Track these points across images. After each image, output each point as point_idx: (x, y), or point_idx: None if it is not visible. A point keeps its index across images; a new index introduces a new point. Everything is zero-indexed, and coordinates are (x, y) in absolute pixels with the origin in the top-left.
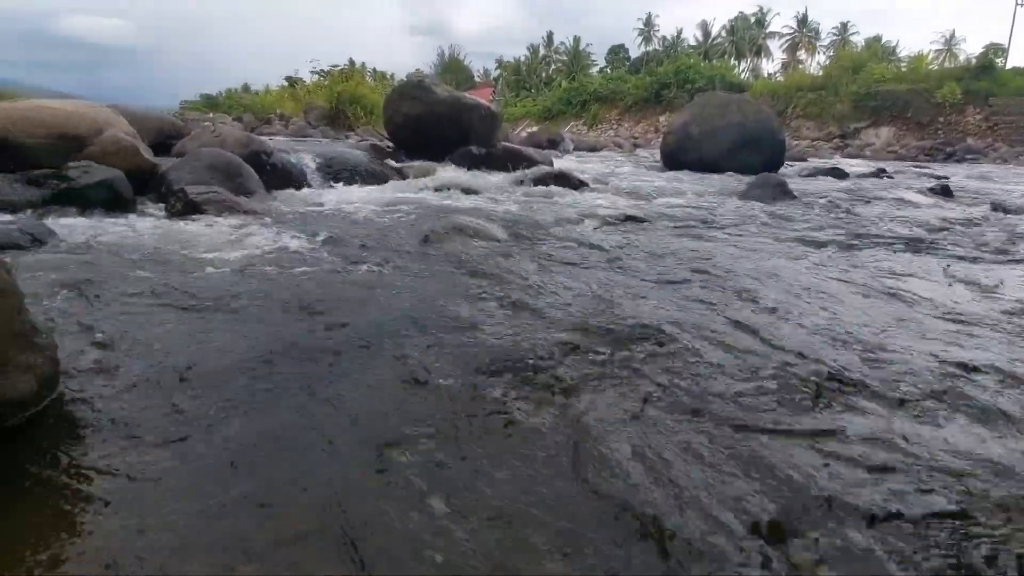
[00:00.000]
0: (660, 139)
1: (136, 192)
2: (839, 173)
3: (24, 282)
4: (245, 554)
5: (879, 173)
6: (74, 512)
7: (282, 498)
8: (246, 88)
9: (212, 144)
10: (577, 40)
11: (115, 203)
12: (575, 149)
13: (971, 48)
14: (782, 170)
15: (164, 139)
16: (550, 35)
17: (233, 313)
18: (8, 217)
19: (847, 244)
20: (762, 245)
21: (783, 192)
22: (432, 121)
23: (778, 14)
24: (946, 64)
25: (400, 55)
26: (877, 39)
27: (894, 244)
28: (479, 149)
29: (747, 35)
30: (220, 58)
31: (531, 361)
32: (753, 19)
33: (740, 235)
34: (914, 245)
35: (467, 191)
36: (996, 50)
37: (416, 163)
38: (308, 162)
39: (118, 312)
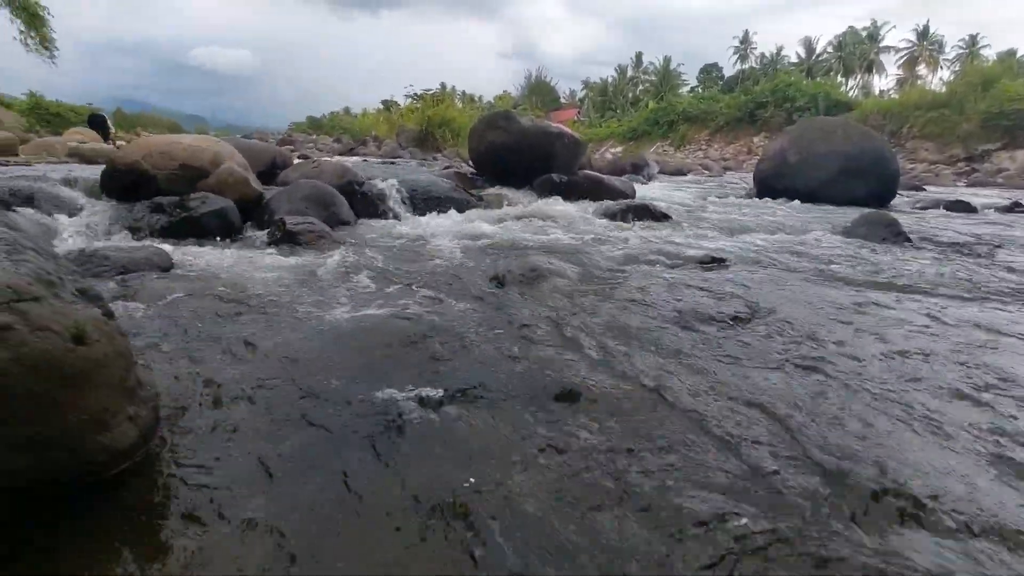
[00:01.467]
0: (753, 161)
1: (244, 219)
2: (964, 207)
3: (140, 309)
4: None
5: (1014, 207)
6: (170, 556)
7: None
8: (347, 111)
9: (311, 175)
10: (667, 60)
11: (226, 230)
12: (660, 172)
13: None
14: (895, 201)
15: (272, 168)
16: (639, 55)
17: (316, 359)
18: (135, 244)
19: (975, 306)
20: (864, 301)
21: (895, 233)
22: (516, 149)
23: (894, 27)
24: None
25: (489, 78)
26: (1011, 53)
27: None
28: (560, 177)
29: (857, 50)
30: (327, 83)
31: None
32: (864, 33)
33: (837, 287)
34: None
35: (544, 220)
36: None
37: (497, 191)
38: (395, 191)
39: (216, 350)
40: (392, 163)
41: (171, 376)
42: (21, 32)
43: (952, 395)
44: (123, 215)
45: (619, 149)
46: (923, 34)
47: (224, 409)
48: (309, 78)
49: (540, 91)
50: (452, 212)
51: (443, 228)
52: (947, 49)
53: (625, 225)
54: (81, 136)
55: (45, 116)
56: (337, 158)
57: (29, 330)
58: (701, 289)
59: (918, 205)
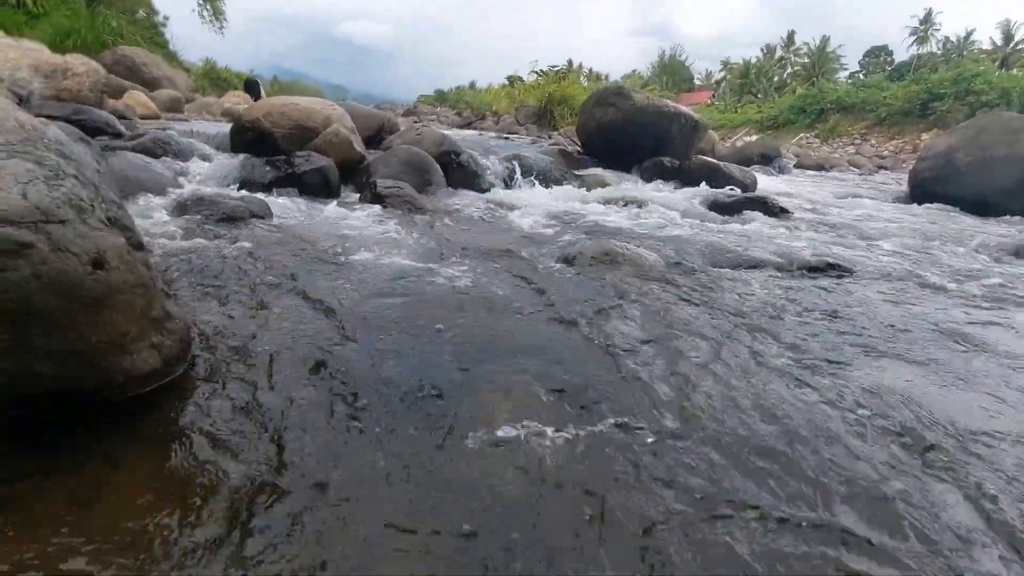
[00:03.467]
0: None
1: (346, 179)
2: None
3: (224, 248)
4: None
5: None
6: (183, 468)
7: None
8: (472, 85)
9: (412, 142)
10: (825, 40)
11: (324, 188)
12: (797, 166)
13: None
14: None
15: (380, 133)
16: (791, 35)
17: (358, 308)
18: (243, 193)
19: None
20: (999, 334)
21: None
22: (626, 129)
23: None
24: None
25: (620, 56)
26: None
27: None
28: (671, 161)
29: None
30: (459, 58)
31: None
32: None
33: (978, 316)
34: None
35: (641, 205)
36: None
37: (597, 172)
38: (492, 163)
39: (271, 294)
40: (506, 138)
41: (218, 312)
42: (200, 4)
43: None
44: (242, 167)
45: (754, 138)
46: None
47: (257, 350)
48: (442, 54)
49: (673, 71)
50: (546, 189)
51: (532, 204)
52: None
53: (732, 218)
54: (236, 99)
55: (216, 80)
56: (455, 130)
57: (50, 249)
58: (794, 300)
59: None
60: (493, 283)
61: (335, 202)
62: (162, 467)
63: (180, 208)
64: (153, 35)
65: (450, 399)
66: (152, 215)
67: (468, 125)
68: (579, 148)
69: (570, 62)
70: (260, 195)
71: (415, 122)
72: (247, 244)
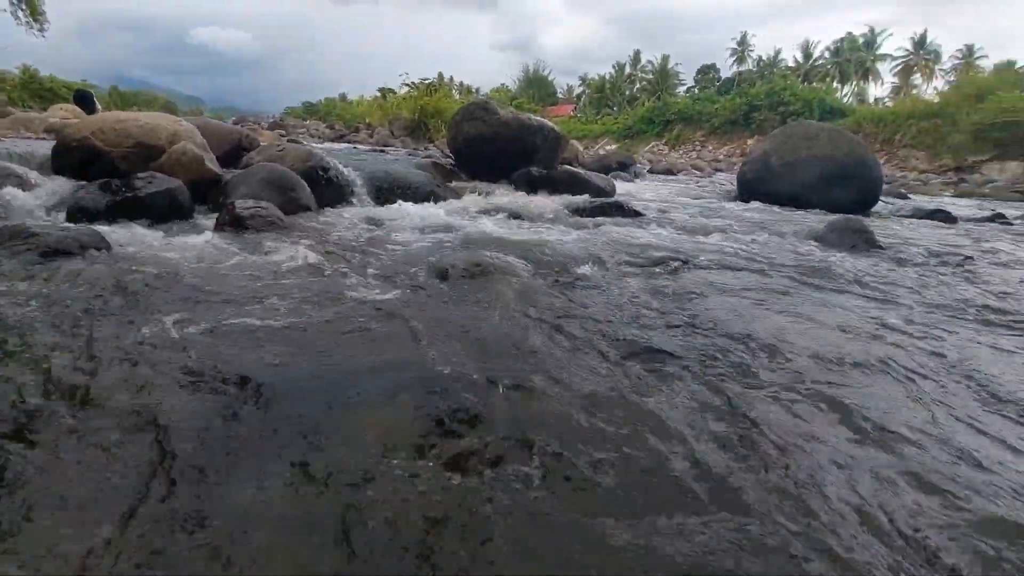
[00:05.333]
0: None
1: (200, 200)
2: (944, 217)
3: (42, 291)
4: None
5: (995, 218)
6: None
7: None
8: (343, 97)
9: (274, 159)
10: (665, 59)
11: (173, 212)
12: (650, 171)
13: None
14: (876, 208)
15: (238, 150)
16: (637, 53)
17: (210, 347)
18: (70, 224)
19: (928, 324)
20: (813, 309)
21: (866, 241)
22: (494, 142)
23: (891, 35)
24: None
25: (487, 69)
26: (1010, 64)
27: (993, 328)
28: (539, 171)
29: (854, 57)
30: (327, 70)
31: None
32: (862, 40)
33: (792, 296)
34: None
35: (514, 216)
36: None
37: (471, 184)
38: (362, 179)
39: (101, 336)
40: (381, 151)
41: (30, 363)
42: (13, 3)
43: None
44: (69, 193)
45: (614, 146)
46: (920, 43)
47: (75, 412)
48: (309, 64)
49: (538, 85)
50: (420, 203)
51: (406, 219)
52: (944, 59)
53: (594, 222)
54: (64, 112)
55: (38, 91)
56: (327, 144)
57: None
58: (646, 289)
59: (899, 213)
60: (363, 305)
61: (187, 227)
62: None
63: None
64: None
65: (311, 431)
66: None
67: (341, 138)
68: (451, 161)
69: (441, 75)
70: (96, 225)
71: (282, 136)
72: (73, 283)
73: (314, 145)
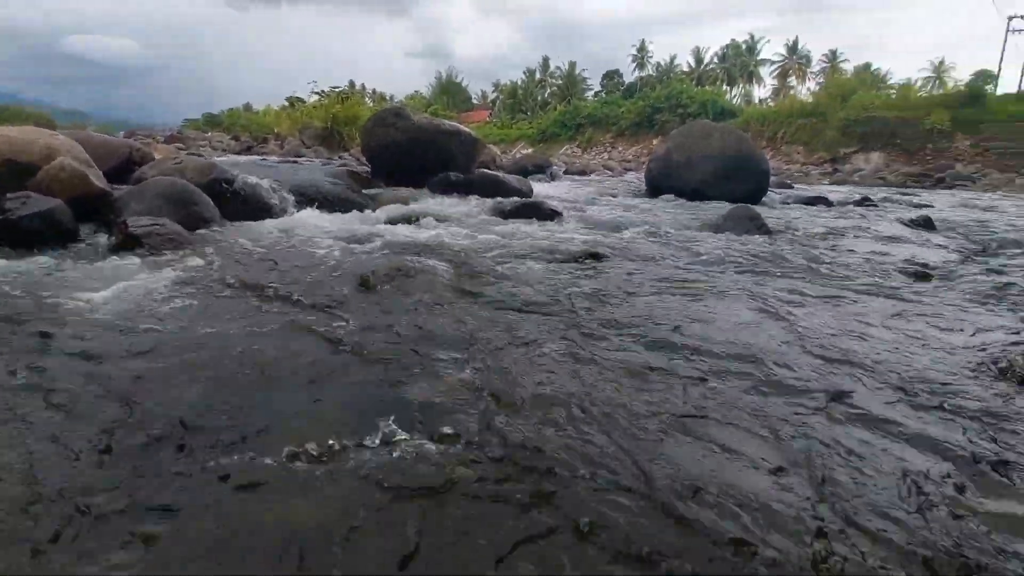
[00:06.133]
0: None
1: (87, 219)
2: (822, 201)
3: None
4: None
5: (863, 202)
6: None
7: None
8: (248, 107)
9: (171, 172)
10: (572, 65)
11: (54, 235)
12: (566, 173)
13: (961, 75)
14: (766, 197)
15: (129, 165)
16: (546, 60)
17: (101, 372)
18: None
19: (798, 289)
20: (710, 288)
21: (756, 226)
22: (410, 148)
23: (768, 41)
24: (935, 91)
25: (401, 77)
26: (867, 67)
27: (851, 290)
28: (457, 176)
29: (738, 62)
30: (228, 79)
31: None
32: (744, 46)
33: (690, 276)
34: (879, 292)
35: (436, 220)
36: (986, 77)
37: (388, 190)
38: (274, 190)
39: None
40: (294, 162)
41: None
42: None
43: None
44: None
45: (530, 150)
46: (792, 49)
47: None
48: (208, 74)
49: (452, 91)
50: (337, 213)
51: (322, 229)
52: (814, 63)
53: (513, 222)
54: None
55: None
56: (232, 157)
57: None
58: (567, 283)
59: (785, 201)
60: (282, 319)
61: (73, 251)
62: None
63: None
64: None
65: (233, 445)
66: None
67: (248, 150)
68: (367, 169)
69: (352, 83)
70: None
71: (180, 150)
72: None
73: (218, 159)
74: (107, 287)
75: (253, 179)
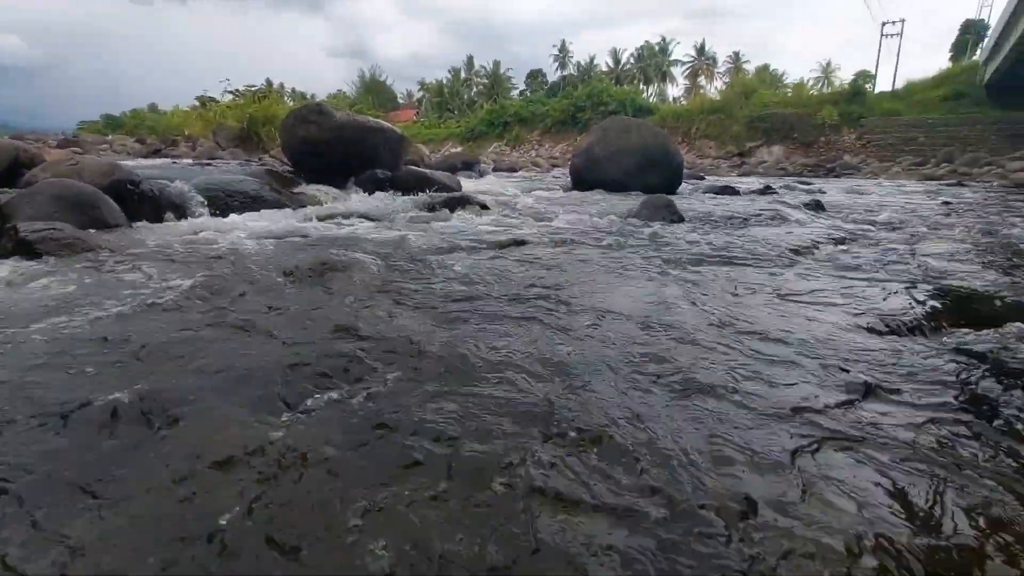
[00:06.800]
0: None
1: None
2: (730, 191)
3: None
4: None
5: (765, 190)
6: None
7: None
8: (153, 108)
9: (67, 174)
10: (497, 64)
11: None
12: (495, 170)
13: (845, 75)
14: (681, 188)
15: (16, 168)
16: (470, 59)
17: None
18: None
19: (702, 263)
20: (624, 267)
21: (670, 213)
22: (332, 145)
23: (679, 43)
24: (824, 90)
25: (321, 76)
26: (766, 67)
27: (747, 260)
28: (384, 173)
29: (653, 62)
30: (130, 78)
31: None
32: (657, 47)
33: (608, 258)
34: (774, 260)
35: (363, 217)
36: (865, 76)
37: (311, 189)
38: (185, 190)
39: None
40: (208, 164)
41: None
42: None
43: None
44: None
45: (459, 149)
46: (700, 50)
47: None
48: (106, 73)
49: (376, 91)
50: (257, 212)
51: (241, 229)
52: (719, 63)
53: (442, 215)
54: None
55: None
56: (138, 160)
57: None
58: (490, 271)
59: (698, 190)
60: (194, 318)
61: None
62: None
63: None
64: None
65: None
66: None
67: (156, 153)
68: (289, 168)
69: (269, 81)
70: None
71: (76, 154)
72: None
73: (123, 162)
74: None
75: (167, 180)
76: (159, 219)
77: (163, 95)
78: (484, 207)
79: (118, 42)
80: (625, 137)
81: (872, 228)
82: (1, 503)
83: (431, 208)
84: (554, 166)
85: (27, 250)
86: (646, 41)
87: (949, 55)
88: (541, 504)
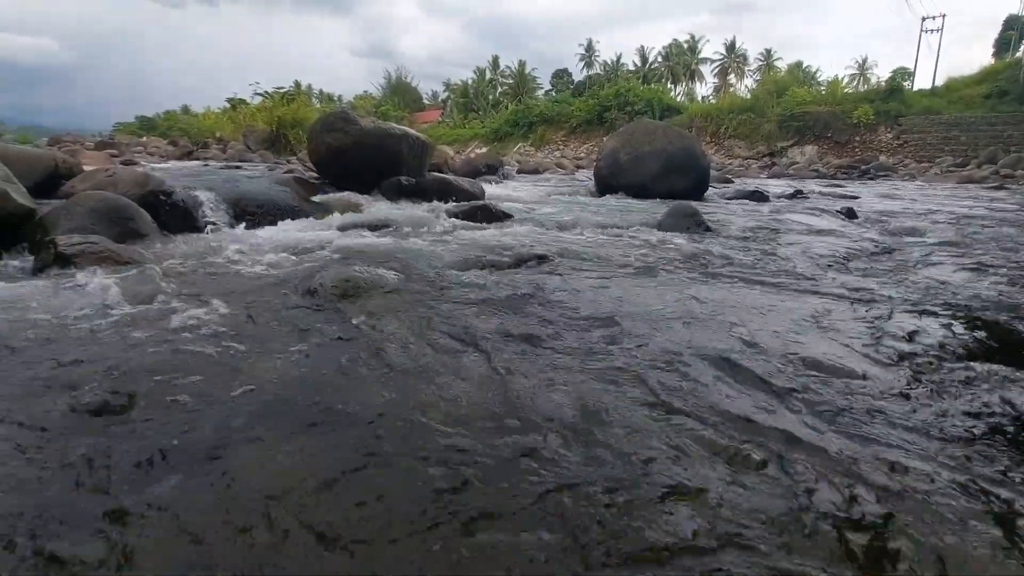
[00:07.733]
0: None
1: (9, 242)
2: (759, 196)
3: None
4: None
5: (796, 195)
6: None
7: None
8: (185, 110)
9: (104, 185)
10: (522, 64)
11: None
12: (519, 171)
13: (882, 72)
14: (708, 193)
15: (56, 178)
16: (495, 59)
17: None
18: None
19: (729, 282)
20: (651, 286)
21: (696, 223)
22: (358, 153)
23: (708, 40)
24: (860, 87)
25: (347, 77)
26: (799, 64)
27: (772, 279)
28: (408, 180)
29: (681, 60)
30: (163, 80)
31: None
32: (686, 45)
33: (630, 280)
34: (796, 279)
35: (384, 227)
36: (903, 73)
37: (337, 197)
38: (215, 200)
39: None
40: (238, 167)
41: None
42: None
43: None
44: None
45: (483, 149)
46: (731, 48)
47: None
48: (140, 75)
49: (402, 92)
50: (284, 222)
51: (269, 241)
52: (750, 61)
53: (464, 226)
54: None
55: None
56: (172, 163)
57: None
58: (508, 285)
59: (725, 196)
60: (227, 332)
61: None
62: None
63: None
64: None
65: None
66: None
67: (188, 155)
68: (315, 175)
69: (297, 83)
70: None
71: (113, 157)
72: None
73: (155, 166)
74: (34, 308)
75: (195, 191)
76: (191, 229)
77: (193, 96)
78: (506, 215)
79: (151, 44)
80: (650, 141)
81: (910, 239)
82: (41, 511)
83: (453, 217)
84: (579, 167)
85: (66, 261)
86: (674, 39)
87: (991, 52)
88: None
